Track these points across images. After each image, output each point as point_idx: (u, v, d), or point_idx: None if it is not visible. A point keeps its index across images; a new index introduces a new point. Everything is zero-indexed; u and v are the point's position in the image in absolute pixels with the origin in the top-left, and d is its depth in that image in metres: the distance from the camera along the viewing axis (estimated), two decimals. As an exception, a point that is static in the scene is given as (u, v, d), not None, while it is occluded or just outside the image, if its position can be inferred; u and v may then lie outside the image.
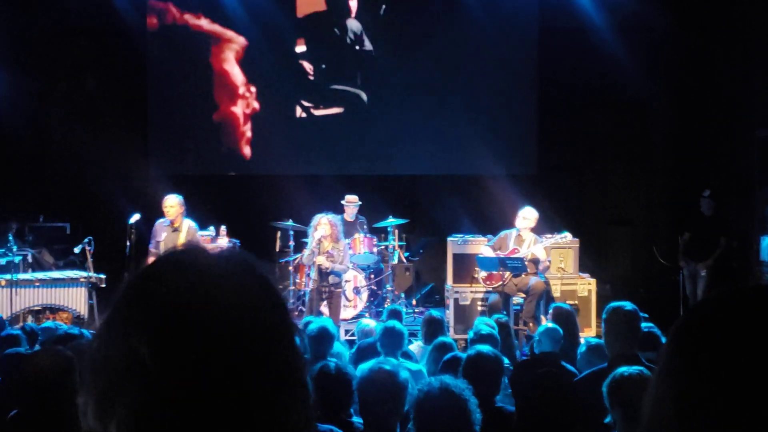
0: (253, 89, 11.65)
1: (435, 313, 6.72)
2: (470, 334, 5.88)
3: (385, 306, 9.51)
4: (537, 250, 8.74)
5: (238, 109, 11.63)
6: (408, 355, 5.76)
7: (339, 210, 9.74)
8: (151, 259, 8.36)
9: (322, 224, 8.58)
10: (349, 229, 9.87)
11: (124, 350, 0.87)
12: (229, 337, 0.88)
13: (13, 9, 11.08)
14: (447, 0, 11.39)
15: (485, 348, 4.23)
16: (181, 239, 8.44)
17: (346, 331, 9.08)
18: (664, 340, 5.98)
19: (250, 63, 11.59)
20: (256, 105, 11.64)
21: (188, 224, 8.61)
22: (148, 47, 11.62)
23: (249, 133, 11.66)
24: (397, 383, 3.44)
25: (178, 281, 0.91)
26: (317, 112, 11.61)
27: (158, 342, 0.87)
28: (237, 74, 11.63)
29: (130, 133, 11.58)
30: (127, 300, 0.91)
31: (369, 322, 7.07)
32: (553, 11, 11.20)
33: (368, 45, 11.51)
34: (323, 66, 11.55)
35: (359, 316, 9.74)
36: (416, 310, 10.26)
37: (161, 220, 8.65)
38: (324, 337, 5.29)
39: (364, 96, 11.59)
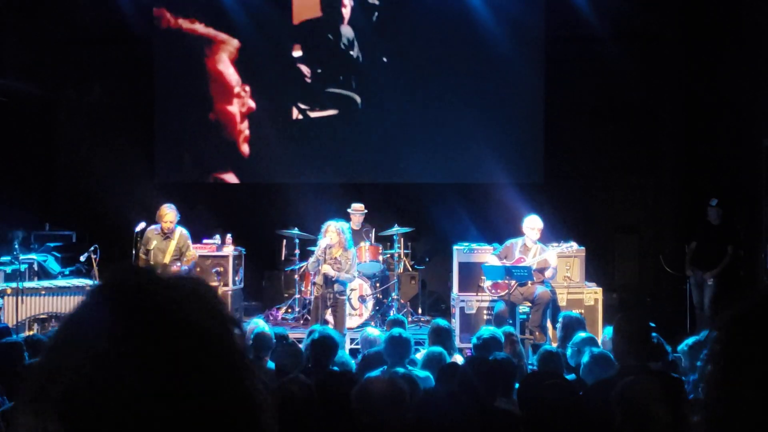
0: (248, 88, 11.69)
1: (442, 321, 6.68)
2: (473, 340, 5.83)
3: (391, 314, 9.49)
4: (549, 256, 8.72)
5: (234, 108, 11.68)
6: (414, 363, 5.72)
7: (345, 218, 9.73)
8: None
9: (330, 232, 8.56)
10: (355, 237, 9.85)
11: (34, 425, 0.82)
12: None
13: (21, 17, 11.11)
14: (453, 8, 11.37)
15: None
16: (172, 247, 8.62)
17: (352, 340, 9.05)
18: (669, 348, 5.92)
19: (248, 67, 11.65)
20: (252, 104, 11.68)
21: (180, 231, 8.73)
22: (155, 56, 11.65)
23: (246, 131, 11.69)
24: (391, 392, 3.41)
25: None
26: (313, 114, 11.64)
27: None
28: (236, 79, 11.68)
29: (136, 142, 11.60)
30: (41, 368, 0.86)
31: (373, 331, 7.03)
32: (559, 19, 11.19)
33: (359, 51, 11.55)
34: (319, 71, 11.60)
35: (365, 324, 9.72)
36: (422, 319, 10.23)
37: (152, 227, 8.73)
38: (327, 346, 5.27)
39: (358, 99, 11.60)
